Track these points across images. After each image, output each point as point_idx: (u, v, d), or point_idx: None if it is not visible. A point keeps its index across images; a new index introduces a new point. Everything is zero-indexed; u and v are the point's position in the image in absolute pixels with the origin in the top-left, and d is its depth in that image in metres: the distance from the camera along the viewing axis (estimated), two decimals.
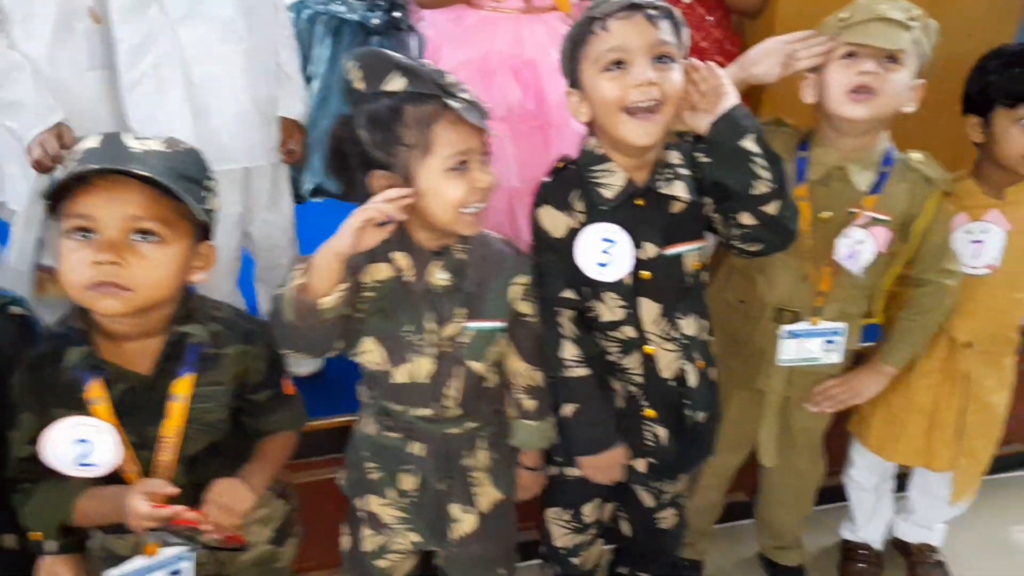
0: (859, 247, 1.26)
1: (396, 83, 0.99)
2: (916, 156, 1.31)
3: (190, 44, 1.30)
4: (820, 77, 1.25)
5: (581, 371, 1.19)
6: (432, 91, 0.99)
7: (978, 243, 1.39)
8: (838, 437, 1.62)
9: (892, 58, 1.20)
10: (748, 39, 1.59)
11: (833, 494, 1.76)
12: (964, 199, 1.40)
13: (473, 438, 1.19)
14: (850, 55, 1.21)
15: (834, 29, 1.22)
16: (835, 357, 1.36)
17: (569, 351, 1.18)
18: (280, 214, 1.51)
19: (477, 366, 1.14)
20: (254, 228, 1.51)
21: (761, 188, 1.06)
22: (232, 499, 1.01)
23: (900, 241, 1.31)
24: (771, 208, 1.08)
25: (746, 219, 1.10)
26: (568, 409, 1.20)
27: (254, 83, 1.37)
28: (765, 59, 1.26)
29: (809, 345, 1.36)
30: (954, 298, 1.36)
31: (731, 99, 1.07)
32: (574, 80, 1.12)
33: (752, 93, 1.59)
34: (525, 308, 1.16)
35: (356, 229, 0.95)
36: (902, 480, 1.73)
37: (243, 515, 1.02)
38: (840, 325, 1.34)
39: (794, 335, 1.35)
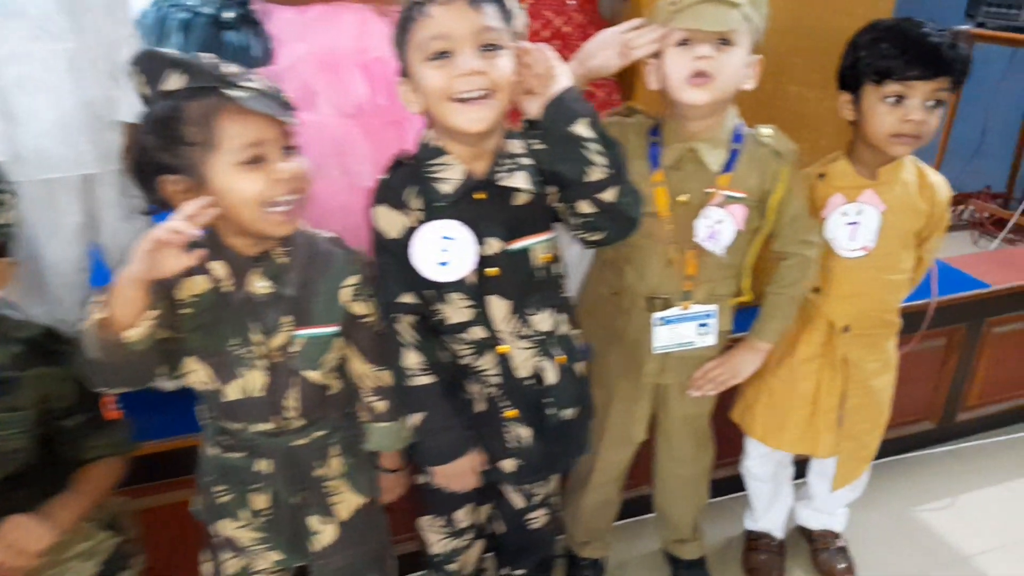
0: (718, 227, 1.23)
1: (174, 81, 0.92)
2: (765, 131, 1.27)
3: None
4: (660, 63, 1.20)
5: (425, 379, 1.13)
6: (210, 83, 0.91)
7: (854, 225, 1.34)
8: (736, 426, 1.58)
9: (725, 40, 1.16)
10: (620, 22, 1.52)
11: (738, 483, 1.73)
12: (839, 180, 1.36)
13: (323, 446, 1.13)
14: (684, 40, 1.17)
15: (666, 14, 1.18)
16: (710, 340, 1.33)
17: (411, 359, 1.12)
18: (133, 223, 1.41)
19: (313, 375, 1.08)
20: (105, 238, 1.40)
21: (596, 174, 1.01)
22: (23, 537, 0.93)
23: (759, 217, 1.28)
24: (608, 195, 1.03)
25: (585, 207, 1.05)
26: (415, 419, 1.15)
27: (81, 85, 1.26)
28: (601, 51, 1.22)
29: (682, 330, 1.32)
30: (816, 267, 1.34)
31: (562, 81, 1.01)
32: (404, 68, 1.05)
33: (625, 77, 1.53)
34: (360, 309, 1.10)
35: (147, 253, 0.87)
36: (802, 466, 1.69)
37: (37, 555, 0.94)
38: (711, 307, 1.31)
39: (666, 322, 1.31)
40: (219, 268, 1.01)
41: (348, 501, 1.15)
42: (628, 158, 1.23)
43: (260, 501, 1.10)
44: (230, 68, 0.93)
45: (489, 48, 0.99)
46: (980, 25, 2.80)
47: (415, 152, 1.10)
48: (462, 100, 0.99)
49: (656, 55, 1.20)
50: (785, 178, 1.25)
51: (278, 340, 1.04)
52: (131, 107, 1.31)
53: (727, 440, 1.58)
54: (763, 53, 1.52)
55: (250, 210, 0.95)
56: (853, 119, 1.31)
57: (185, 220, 0.88)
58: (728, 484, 1.78)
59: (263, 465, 1.09)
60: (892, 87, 1.22)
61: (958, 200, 3.37)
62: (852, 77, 1.28)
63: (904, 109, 1.23)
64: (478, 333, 1.13)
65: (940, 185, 1.37)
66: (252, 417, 1.06)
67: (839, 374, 1.43)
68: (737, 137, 1.25)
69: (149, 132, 0.93)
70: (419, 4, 0.99)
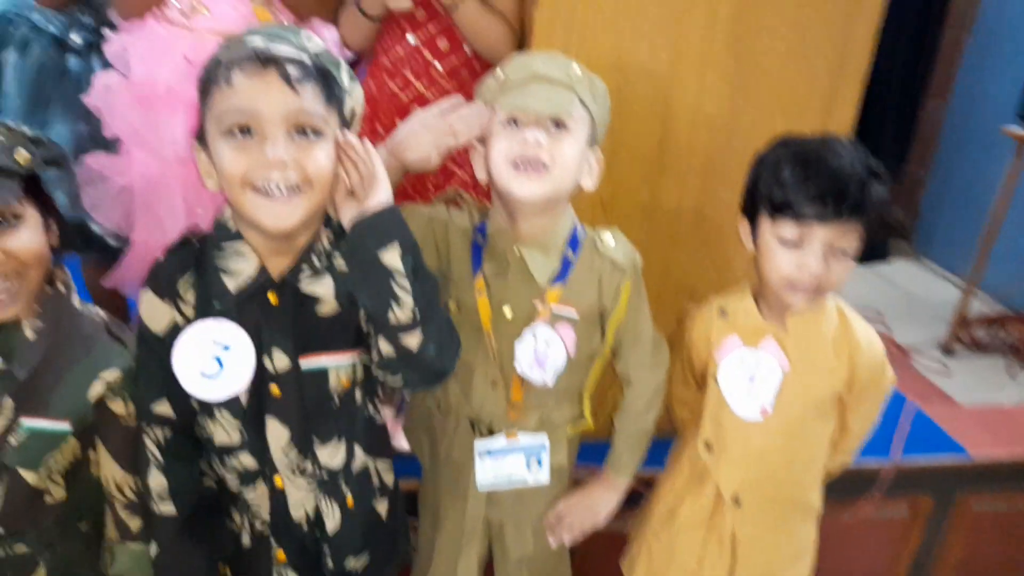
0: (546, 350, 1.07)
1: None
2: (606, 237, 1.11)
3: None
4: (486, 148, 1.05)
5: (166, 508, 0.98)
6: None
7: (752, 377, 1.13)
8: None
9: (559, 123, 1.01)
10: None
11: None
12: (740, 319, 1.15)
13: (24, 564, 0.98)
14: (513, 121, 1.02)
15: (492, 92, 1.04)
16: (543, 476, 1.17)
17: (155, 480, 0.98)
18: None
19: (30, 475, 0.95)
20: None
21: (399, 315, 0.88)
22: None
23: (597, 339, 1.12)
24: (411, 341, 0.90)
25: (384, 346, 0.92)
26: (152, 549, 1.00)
27: None
28: (416, 141, 1.07)
29: (509, 465, 1.15)
30: (664, 393, 1.21)
31: (380, 195, 0.88)
32: (202, 133, 0.91)
33: None
34: (118, 407, 0.99)
35: None
36: None
37: None
38: (542, 439, 1.15)
39: (491, 454, 1.14)
40: None
41: None
42: (449, 259, 1.09)
43: None
44: None
45: (305, 134, 0.85)
46: None
47: (208, 230, 0.96)
48: (264, 193, 0.85)
49: (483, 139, 1.05)
50: (627, 295, 1.10)
51: None
52: None
53: None
54: (692, 151, 1.35)
55: None
56: (753, 252, 1.11)
57: None
58: None
59: None
60: (787, 226, 1.02)
61: (995, 321, 3.02)
62: (750, 202, 1.09)
63: (801, 253, 1.02)
64: (247, 461, 0.98)
65: (868, 344, 1.13)
66: None
67: (727, 553, 1.21)
68: (573, 241, 1.09)
69: None
70: (223, 65, 0.84)
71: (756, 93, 1.30)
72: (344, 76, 0.91)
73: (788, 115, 1.32)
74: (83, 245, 1.35)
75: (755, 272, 1.12)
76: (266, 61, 0.83)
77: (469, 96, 1.28)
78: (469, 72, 1.33)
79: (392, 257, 0.86)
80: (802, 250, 1.02)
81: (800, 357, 1.11)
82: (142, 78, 1.17)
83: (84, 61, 1.33)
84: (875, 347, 1.15)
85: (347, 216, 0.90)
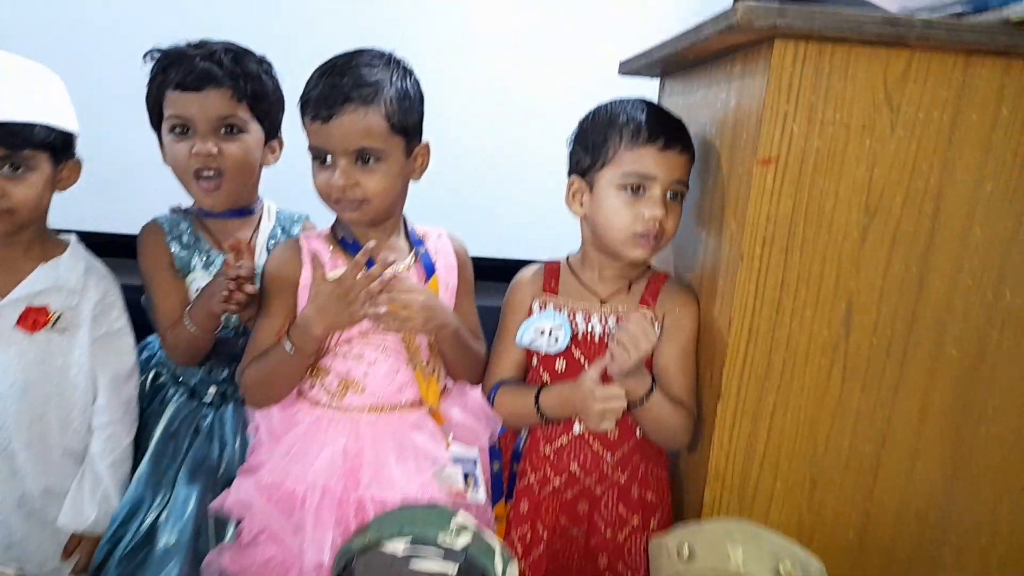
0: None
1: None
2: None
3: None
4: None
5: None
6: None
7: None
8: None
9: None
10: (685, 480, 1.25)
11: None
12: None
13: None
14: None
15: (675, 570, 0.92)
16: None
17: None
18: None
19: None
20: None
21: None
22: None
23: None
24: None
25: None
26: None
27: (16, 478, 1.18)
28: None
29: None
30: None
31: None
32: None
33: None
34: None
35: None
36: None
37: None
38: None
39: None
40: None
41: None
42: None
43: None
44: None
45: None
46: None
47: None
48: None
49: None
50: None
51: None
52: (71, 510, 1.21)
53: None
54: (897, 544, 1.17)
55: None
56: None
57: None
58: None
59: None
60: None
61: None
62: None
63: None
64: None
65: None
66: None
67: None
68: None
69: None
70: None
71: (976, 482, 1.15)
72: (498, 562, 0.84)
73: (1017, 503, 1.16)
74: None
75: None
76: None
77: (643, 469, 1.19)
78: (640, 457, 1.20)
79: None
80: None
81: None
82: (281, 483, 1.12)
83: (217, 414, 1.31)
84: None
85: None
